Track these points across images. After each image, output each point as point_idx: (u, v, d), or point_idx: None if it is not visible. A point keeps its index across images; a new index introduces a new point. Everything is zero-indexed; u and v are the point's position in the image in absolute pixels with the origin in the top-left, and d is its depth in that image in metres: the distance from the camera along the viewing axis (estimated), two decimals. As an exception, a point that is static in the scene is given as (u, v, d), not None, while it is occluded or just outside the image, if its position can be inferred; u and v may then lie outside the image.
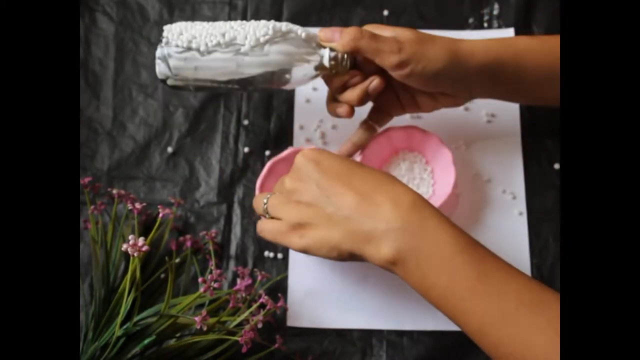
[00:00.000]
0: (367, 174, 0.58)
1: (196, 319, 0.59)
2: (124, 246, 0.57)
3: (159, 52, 0.64)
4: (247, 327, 0.60)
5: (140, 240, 0.57)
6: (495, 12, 0.82)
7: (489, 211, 0.74)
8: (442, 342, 0.70)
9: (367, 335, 0.70)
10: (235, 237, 0.74)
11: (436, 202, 0.71)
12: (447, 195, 0.69)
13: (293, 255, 0.73)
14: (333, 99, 0.68)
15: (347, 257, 0.56)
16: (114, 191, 0.68)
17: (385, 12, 0.82)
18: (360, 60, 0.65)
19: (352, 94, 0.65)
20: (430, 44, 0.63)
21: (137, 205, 0.64)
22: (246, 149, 0.77)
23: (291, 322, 0.70)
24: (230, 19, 0.82)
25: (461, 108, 0.76)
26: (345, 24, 0.82)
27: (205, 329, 0.59)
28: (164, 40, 0.64)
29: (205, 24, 0.65)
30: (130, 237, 0.57)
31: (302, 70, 0.64)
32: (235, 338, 0.60)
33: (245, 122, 0.78)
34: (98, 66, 0.81)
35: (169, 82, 0.66)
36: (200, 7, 0.83)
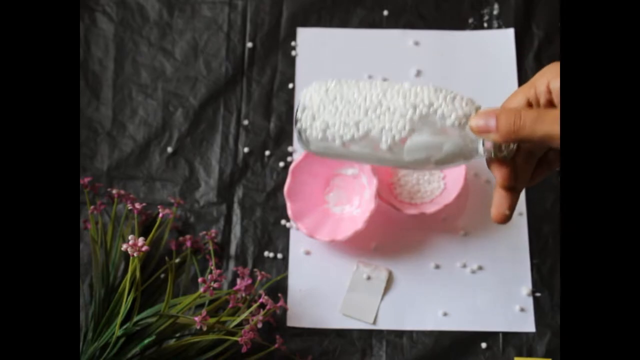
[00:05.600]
0: None
1: (196, 319, 0.59)
2: (124, 246, 0.57)
3: (296, 134, 0.56)
4: (247, 327, 0.60)
5: (140, 240, 0.57)
6: (495, 12, 0.82)
7: (489, 212, 0.74)
8: (442, 342, 0.70)
9: (367, 335, 0.70)
10: (235, 237, 0.74)
11: (450, 195, 0.71)
12: (460, 187, 0.69)
13: (293, 255, 0.73)
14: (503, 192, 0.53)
15: None
16: (114, 191, 0.68)
17: (385, 12, 0.82)
18: None
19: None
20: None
21: (137, 205, 0.64)
22: (246, 149, 0.77)
23: (291, 322, 0.70)
24: (230, 19, 0.82)
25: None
26: (345, 24, 0.82)
27: (205, 329, 0.59)
28: (298, 123, 0.55)
29: (337, 94, 0.54)
30: (130, 237, 0.57)
31: (454, 161, 0.53)
32: (235, 338, 0.60)
33: (245, 122, 0.78)
34: (98, 66, 0.81)
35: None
36: (200, 7, 0.83)
